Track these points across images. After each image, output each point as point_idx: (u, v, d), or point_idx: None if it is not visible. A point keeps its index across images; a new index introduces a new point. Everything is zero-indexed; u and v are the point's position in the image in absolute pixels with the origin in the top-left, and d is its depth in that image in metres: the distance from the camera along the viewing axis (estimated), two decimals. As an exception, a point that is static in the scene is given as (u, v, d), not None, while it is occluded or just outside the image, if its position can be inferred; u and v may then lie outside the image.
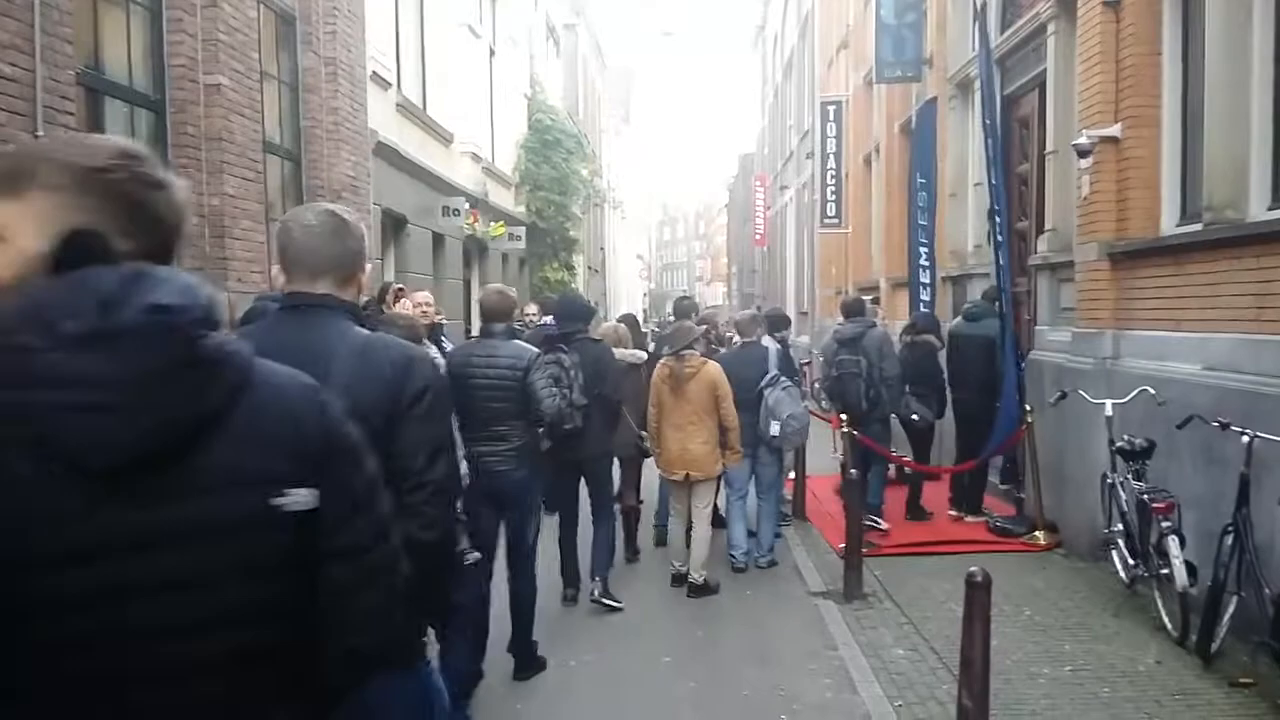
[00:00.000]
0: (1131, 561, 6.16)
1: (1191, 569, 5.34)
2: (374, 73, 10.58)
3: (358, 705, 1.60)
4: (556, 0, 26.71)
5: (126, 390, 1.24)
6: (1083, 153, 7.30)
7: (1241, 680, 4.88)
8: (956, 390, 8.84)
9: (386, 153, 11.13)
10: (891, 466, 9.28)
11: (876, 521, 8.32)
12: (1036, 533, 7.84)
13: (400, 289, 6.75)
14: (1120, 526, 6.29)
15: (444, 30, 14.32)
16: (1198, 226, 6.34)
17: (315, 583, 1.41)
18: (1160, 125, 6.97)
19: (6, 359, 1.23)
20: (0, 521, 1.21)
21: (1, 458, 1.22)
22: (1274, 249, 5.42)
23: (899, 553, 7.75)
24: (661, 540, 8.09)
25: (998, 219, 8.56)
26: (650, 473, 7.78)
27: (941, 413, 9.03)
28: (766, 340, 7.96)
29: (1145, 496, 5.73)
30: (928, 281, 11.48)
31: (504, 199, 18.65)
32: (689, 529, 7.02)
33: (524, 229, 19.06)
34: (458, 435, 3.98)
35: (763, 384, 7.32)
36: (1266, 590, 4.66)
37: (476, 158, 16.20)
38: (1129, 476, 6.08)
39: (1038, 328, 8.77)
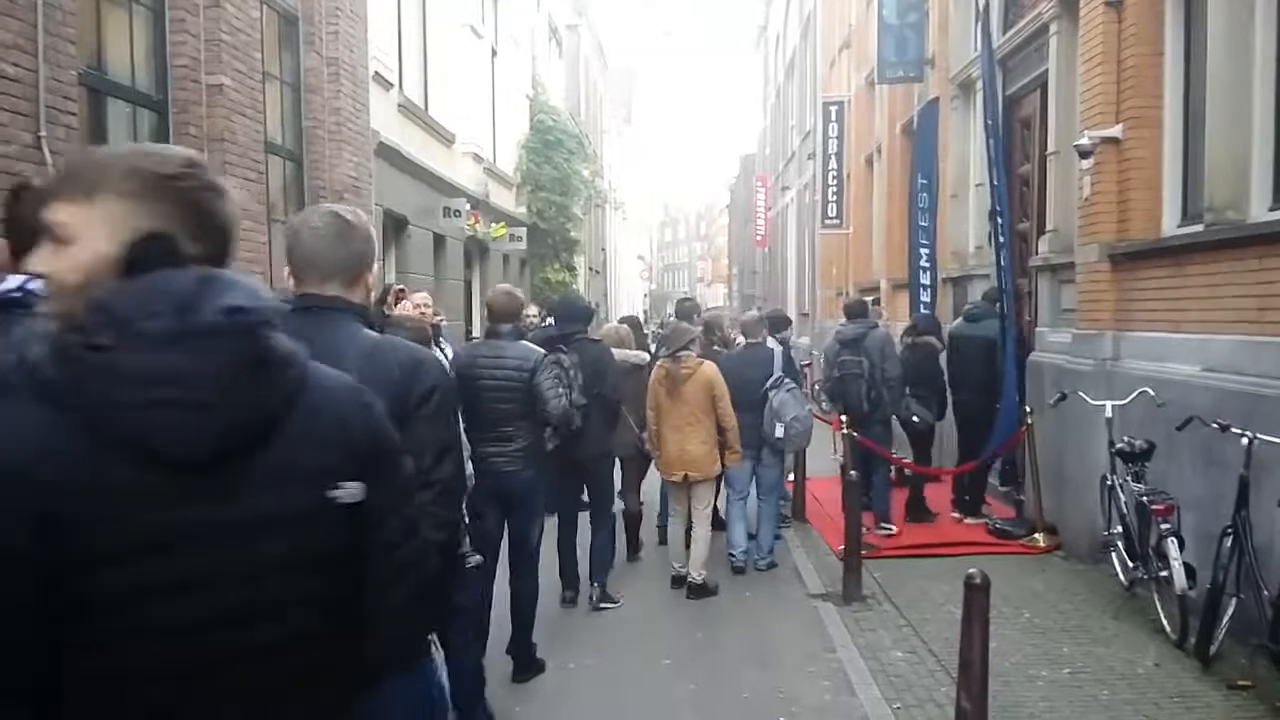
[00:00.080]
0: (1131, 564, 6.16)
1: (1191, 571, 5.33)
2: (376, 73, 10.59)
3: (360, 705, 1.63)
4: (559, 1, 26.71)
5: (206, 388, 1.30)
6: (1084, 153, 7.29)
7: (1240, 683, 4.88)
8: (957, 392, 8.84)
9: (388, 153, 11.14)
10: (892, 468, 9.28)
11: (887, 526, 8.34)
12: (1036, 535, 7.84)
13: (401, 290, 6.76)
14: (1120, 529, 6.29)
15: (446, 31, 14.33)
16: (1199, 228, 6.33)
17: (357, 575, 1.49)
18: (1162, 126, 6.97)
19: (89, 358, 1.28)
20: (85, 514, 1.25)
21: (86, 453, 1.26)
22: (1275, 250, 5.41)
23: (898, 555, 7.75)
24: (664, 540, 8.10)
25: (999, 220, 8.55)
26: (652, 474, 7.78)
27: (942, 414, 9.04)
28: (769, 342, 7.97)
29: (1145, 498, 5.72)
30: (928, 283, 11.48)
31: (505, 200, 18.66)
32: (689, 530, 7.04)
33: (525, 230, 19.07)
34: (464, 436, 3.99)
35: (767, 385, 7.32)
36: (1265, 592, 4.65)
37: (478, 158, 16.21)
38: (1128, 478, 6.07)
39: (1038, 329, 8.76)
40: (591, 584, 6.72)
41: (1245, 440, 4.97)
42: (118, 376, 1.27)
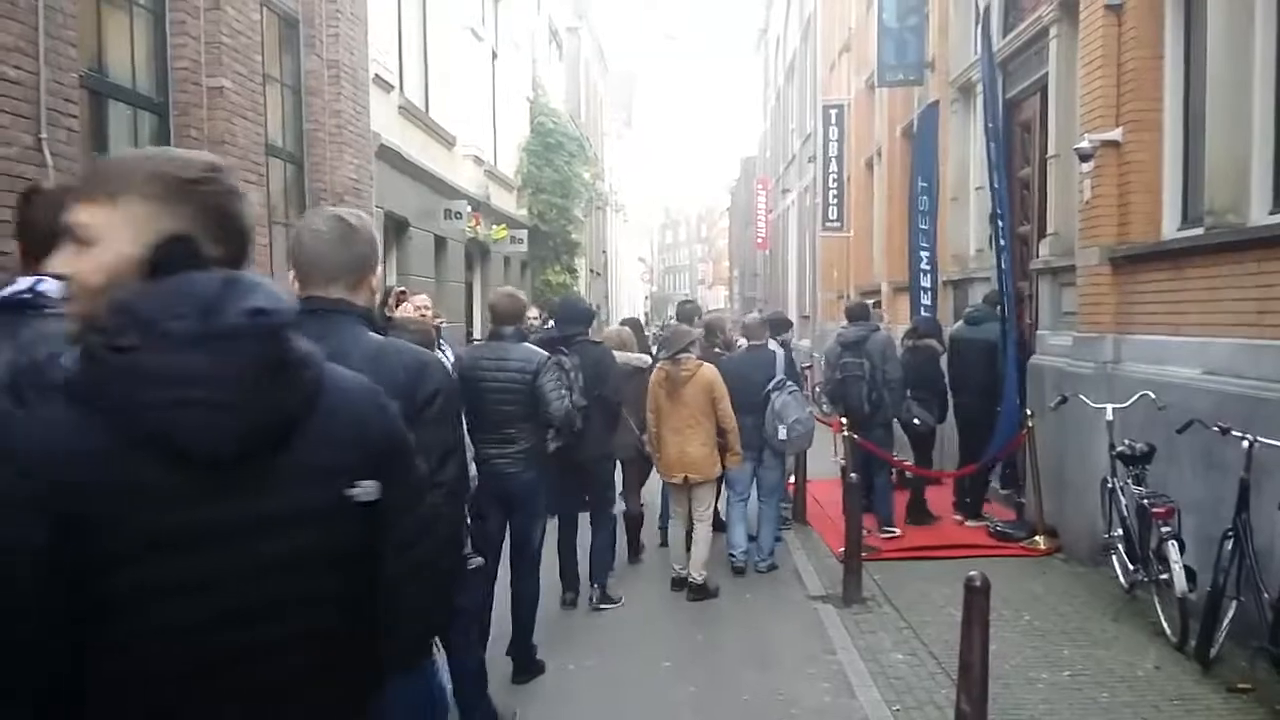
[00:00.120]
0: (1131, 566, 6.16)
1: (1191, 574, 5.33)
2: (376, 75, 10.60)
3: None
4: (559, 4, 26.74)
5: (231, 388, 1.32)
6: (1084, 157, 7.30)
7: (1240, 685, 4.88)
8: (958, 394, 8.85)
9: (389, 155, 11.14)
10: (893, 471, 9.28)
11: (890, 530, 8.34)
12: (1036, 537, 7.83)
13: (402, 292, 6.76)
14: (1120, 531, 6.29)
15: (447, 33, 14.34)
16: (1199, 231, 6.34)
17: (372, 573, 1.51)
18: (1162, 129, 6.97)
19: (114, 358, 1.30)
20: (111, 514, 1.27)
21: (112, 453, 1.28)
22: (1275, 253, 5.41)
23: (898, 557, 7.75)
24: (665, 541, 8.11)
25: (1000, 223, 8.56)
26: (653, 476, 7.78)
27: (943, 417, 9.04)
28: (772, 344, 7.98)
29: (1145, 501, 5.72)
30: (928, 286, 11.49)
31: (506, 202, 18.67)
32: (689, 532, 7.04)
33: (526, 232, 19.07)
34: (467, 438, 3.99)
35: (769, 388, 7.33)
36: (1266, 595, 4.65)
37: (479, 161, 16.22)
38: (1129, 481, 6.07)
39: (1039, 332, 8.77)
40: (591, 585, 6.72)
41: (1246, 443, 4.97)
42: (143, 377, 1.29)
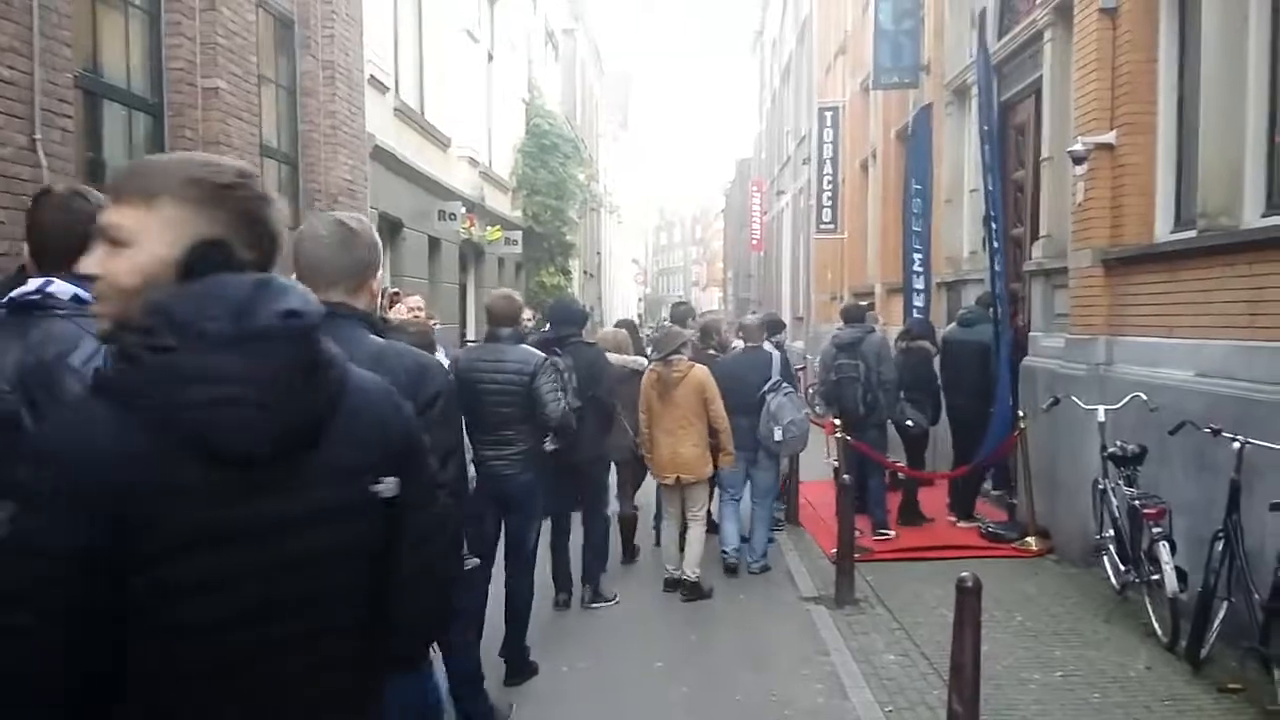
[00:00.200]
0: (1122, 567, 6.17)
1: (1182, 575, 5.35)
2: (372, 77, 10.59)
3: None
4: (555, 5, 26.75)
5: (266, 388, 1.35)
6: (1078, 159, 7.32)
7: (1230, 686, 4.89)
8: (951, 396, 8.87)
9: (384, 157, 11.14)
10: (886, 472, 9.30)
11: (885, 533, 8.36)
12: (1028, 538, 7.85)
13: (396, 293, 6.77)
14: (1111, 532, 6.31)
15: (442, 34, 14.34)
16: (1192, 233, 6.36)
17: (387, 571, 1.55)
18: (1156, 132, 6.99)
19: (152, 358, 1.33)
20: (152, 512, 1.29)
21: (153, 452, 1.30)
22: (1267, 256, 5.43)
23: (891, 558, 7.77)
24: (659, 541, 8.10)
25: (993, 225, 8.58)
26: (649, 479, 7.79)
27: (936, 418, 9.06)
28: (767, 345, 7.99)
29: (1137, 502, 5.74)
30: (921, 287, 11.51)
31: (501, 203, 18.68)
32: (682, 532, 7.05)
33: (520, 233, 19.08)
34: (466, 439, 4.00)
35: (765, 389, 7.35)
36: (1256, 596, 4.66)
37: (474, 162, 16.22)
38: (1121, 482, 6.09)
39: (1032, 334, 8.79)
40: (584, 585, 6.73)
41: (1237, 445, 4.99)
42: (180, 376, 1.32)
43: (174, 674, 1.32)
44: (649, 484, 7.87)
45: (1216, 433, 5.17)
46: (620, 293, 50.05)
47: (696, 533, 6.98)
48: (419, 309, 6.64)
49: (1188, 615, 5.24)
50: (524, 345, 5.49)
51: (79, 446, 1.29)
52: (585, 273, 30.51)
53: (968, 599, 3.89)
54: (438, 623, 1.81)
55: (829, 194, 19.05)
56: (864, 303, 10.84)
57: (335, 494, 1.45)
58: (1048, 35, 8.54)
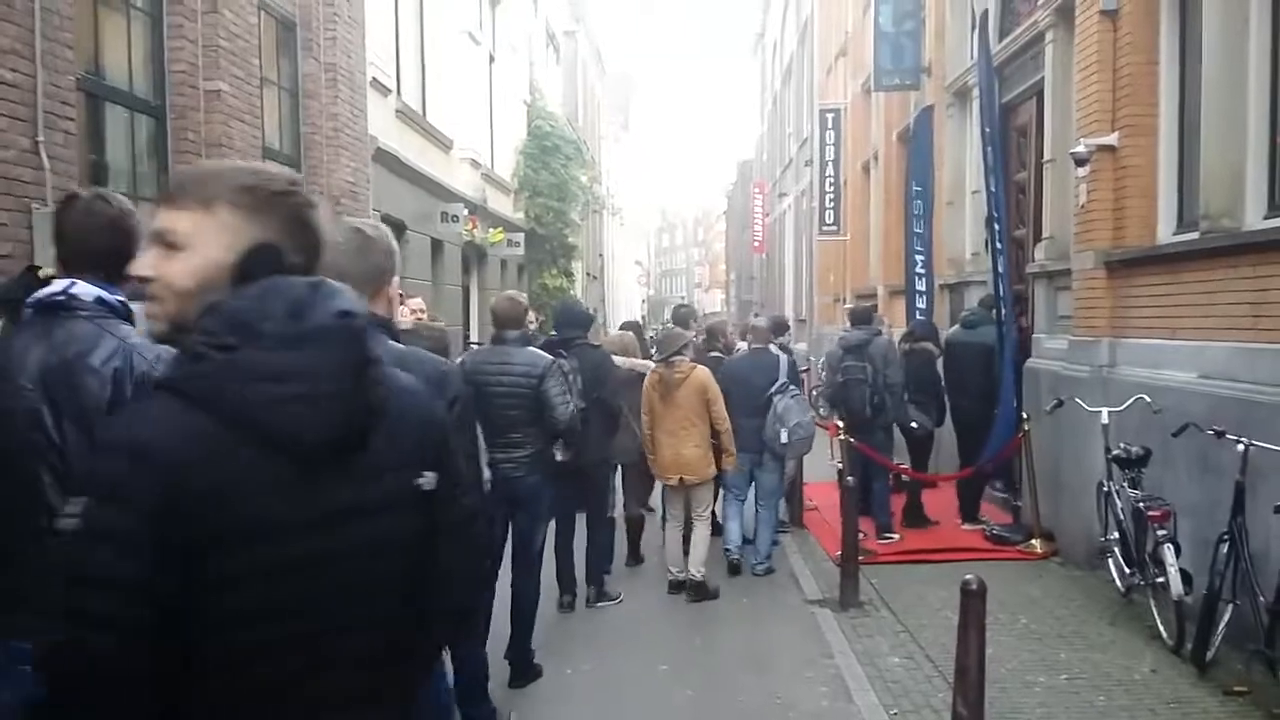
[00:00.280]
0: (1127, 570, 6.17)
1: (1187, 577, 5.34)
2: (374, 79, 10.60)
3: None
4: (557, 7, 26.76)
5: (325, 383, 1.41)
6: (1080, 161, 7.32)
7: (1236, 689, 4.89)
8: (955, 398, 8.85)
9: (386, 159, 11.14)
10: (890, 474, 9.29)
11: (889, 536, 8.35)
12: (1033, 541, 7.84)
13: (399, 295, 6.76)
14: (1116, 535, 6.30)
15: (444, 36, 14.35)
16: (1194, 235, 6.35)
17: (428, 560, 1.60)
18: (1157, 134, 6.99)
19: (217, 357, 1.39)
20: (221, 503, 1.34)
21: (221, 446, 1.36)
22: (1270, 257, 5.43)
23: (895, 560, 7.76)
24: (665, 542, 8.10)
25: (996, 227, 8.57)
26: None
27: (941, 420, 9.04)
28: (773, 347, 7.99)
29: (1141, 504, 5.74)
30: (923, 289, 11.51)
31: (503, 205, 18.68)
32: (686, 534, 7.05)
33: (523, 235, 19.07)
34: (481, 441, 3.99)
35: (772, 391, 7.34)
36: (1261, 598, 4.66)
37: (475, 164, 16.22)
38: (1125, 484, 6.08)
39: (1035, 336, 8.78)
40: (588, 585, 6.72)
41: (1241, 446, 4.98)
42: (245, 373, 1.38)
43: (241, 658, 1.37)
44: (658, 486, 7.86)
45: (1220, 434, 5.16)
46: (624, 294, 50.06)
47: (702, 533, 6.99)
48: (421, 310, 6.62)
49: (1193, 618, 5.22)
50: (530, 348, 5.48)
51: (151, 440, 1.34)
52: (588, 274, 30.51)
53: (972, 601, 3.88)
54: (470, 615, 1.91)
55: (831, 196, 19.06)
56: (867, 304, 10.81)
57: (388, 486, 1.51)
58: (1049, 37, 8.54)
